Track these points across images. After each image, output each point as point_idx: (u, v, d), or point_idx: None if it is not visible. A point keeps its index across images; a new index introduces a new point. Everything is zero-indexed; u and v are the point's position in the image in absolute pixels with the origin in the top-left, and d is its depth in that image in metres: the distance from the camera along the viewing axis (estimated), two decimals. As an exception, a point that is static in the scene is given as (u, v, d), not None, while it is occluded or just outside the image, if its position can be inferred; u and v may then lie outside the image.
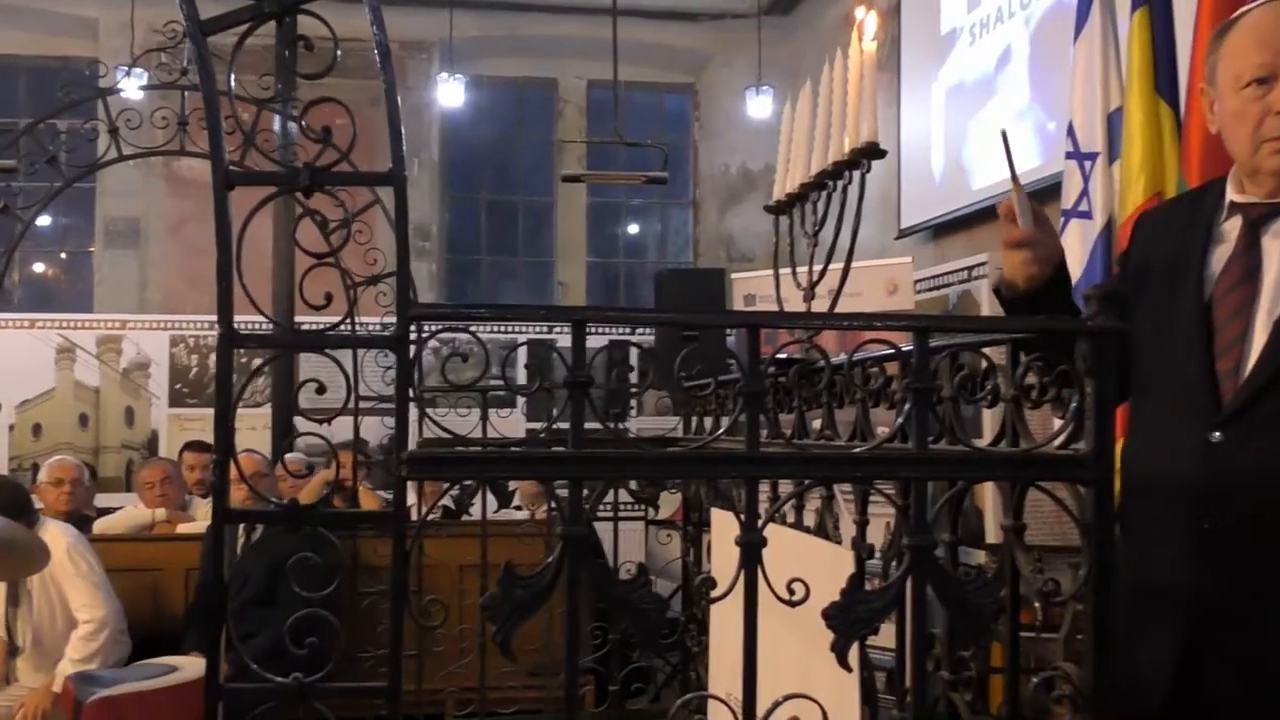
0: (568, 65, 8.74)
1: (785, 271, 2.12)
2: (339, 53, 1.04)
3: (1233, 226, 1.73)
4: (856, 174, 1.81)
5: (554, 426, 1.09)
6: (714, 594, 1.06)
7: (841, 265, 1.87)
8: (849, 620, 1.04)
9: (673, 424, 2.99)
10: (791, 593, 1.06)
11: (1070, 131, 3.67)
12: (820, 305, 1.95)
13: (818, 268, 1.98)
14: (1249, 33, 1.70)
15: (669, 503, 4.29)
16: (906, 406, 1.05)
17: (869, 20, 1.79)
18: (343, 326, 1.05)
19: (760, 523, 1.02)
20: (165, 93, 3.67)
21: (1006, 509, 1.23)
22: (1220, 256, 1.72)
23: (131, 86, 4.28)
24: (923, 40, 6.29)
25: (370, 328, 2.92)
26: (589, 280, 9.08)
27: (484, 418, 2.62)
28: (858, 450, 1.06)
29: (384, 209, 3.96)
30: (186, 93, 2.99)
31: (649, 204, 9.23)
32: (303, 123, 1.01)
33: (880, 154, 1.76)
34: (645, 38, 8.22)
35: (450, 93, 7.37)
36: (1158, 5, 3.38)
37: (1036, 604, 1.18)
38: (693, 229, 9.10)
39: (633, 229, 9.49)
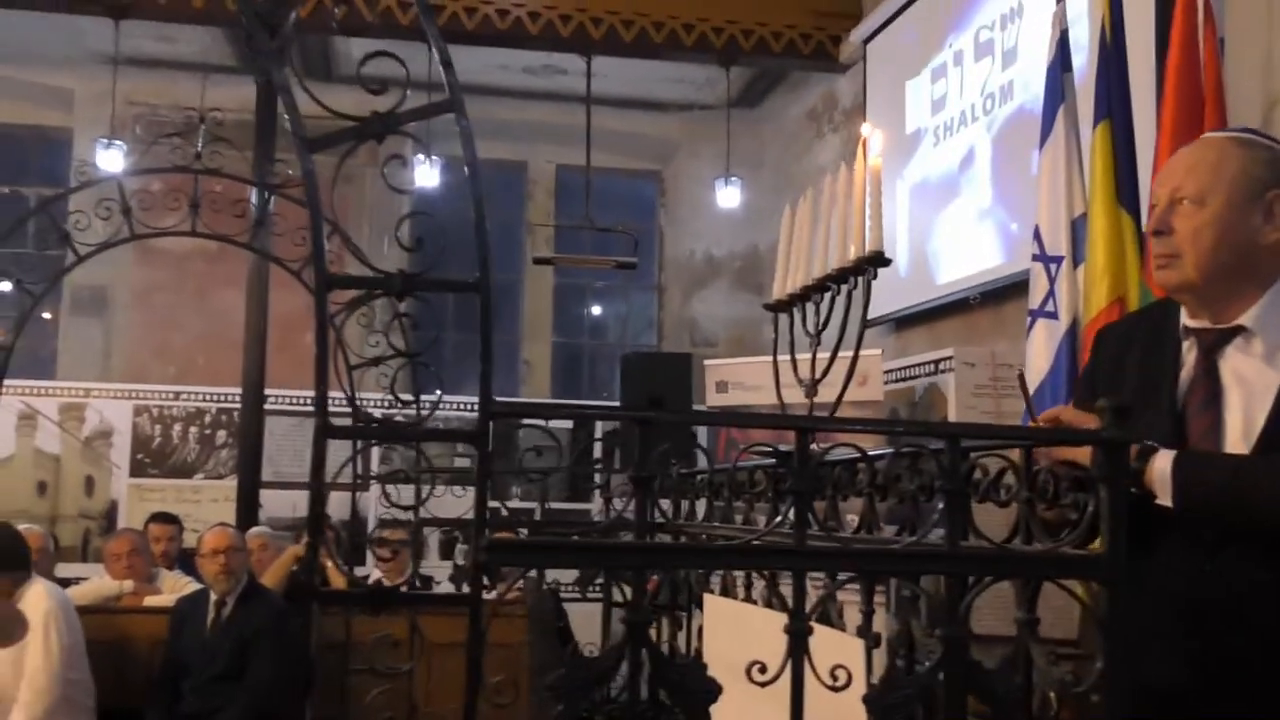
0: (538, 149, 8.91)
1: (779, 358, 2.22)
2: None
3: (1190, 348, 1.88)
4: (861, 280, 1.92)
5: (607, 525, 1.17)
6: (762, 678, 1.13)
7: (850, 355, 1.96)
8: (884, 706, 1.12)
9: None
10: (835, 679, 1.14)
11: (1036, 235, 3.83)
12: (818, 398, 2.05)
13: (820, 364, 2.08)
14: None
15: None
16: (941, 506, 1.14)
17: (874, 138, 1.91)
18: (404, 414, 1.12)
19: (810, 613, 1.10)
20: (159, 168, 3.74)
21: (1020, 603, 1.32)
22: (1185, 378, 1.86)
23: (133, 164, 4.33)
24: (889, 138, 6.52)
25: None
26: (553, 360, 9.17)
27: (542, 503, 2.68)
28: (897, 546, 1.15)
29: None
30: (200, 176, 3.07)
31: (614, 286, 9.37)
32: (397, 233, 1.10)
33: (886, 262, 1.87)
34: (614, 125, 8.42)
35: (425, 175, 7.49)
36: (1119, 120, 3.57)
37: (1051, 694, 1.26)
38: (657, 312, 9.25)
39: (597, 310, 9.61)
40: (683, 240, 9.09)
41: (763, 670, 1.18)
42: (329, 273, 1.06)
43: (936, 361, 5.22)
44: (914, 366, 5.40)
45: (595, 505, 7.07)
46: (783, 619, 1.84)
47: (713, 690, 1.07)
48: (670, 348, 8.68)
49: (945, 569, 1.15)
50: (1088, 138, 3.70)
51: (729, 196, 7.81)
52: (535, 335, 9.10)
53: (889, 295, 6.36)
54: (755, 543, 1.19)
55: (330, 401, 1.14)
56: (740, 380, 5.27)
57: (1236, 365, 1.82)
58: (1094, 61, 3.72)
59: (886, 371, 5.41)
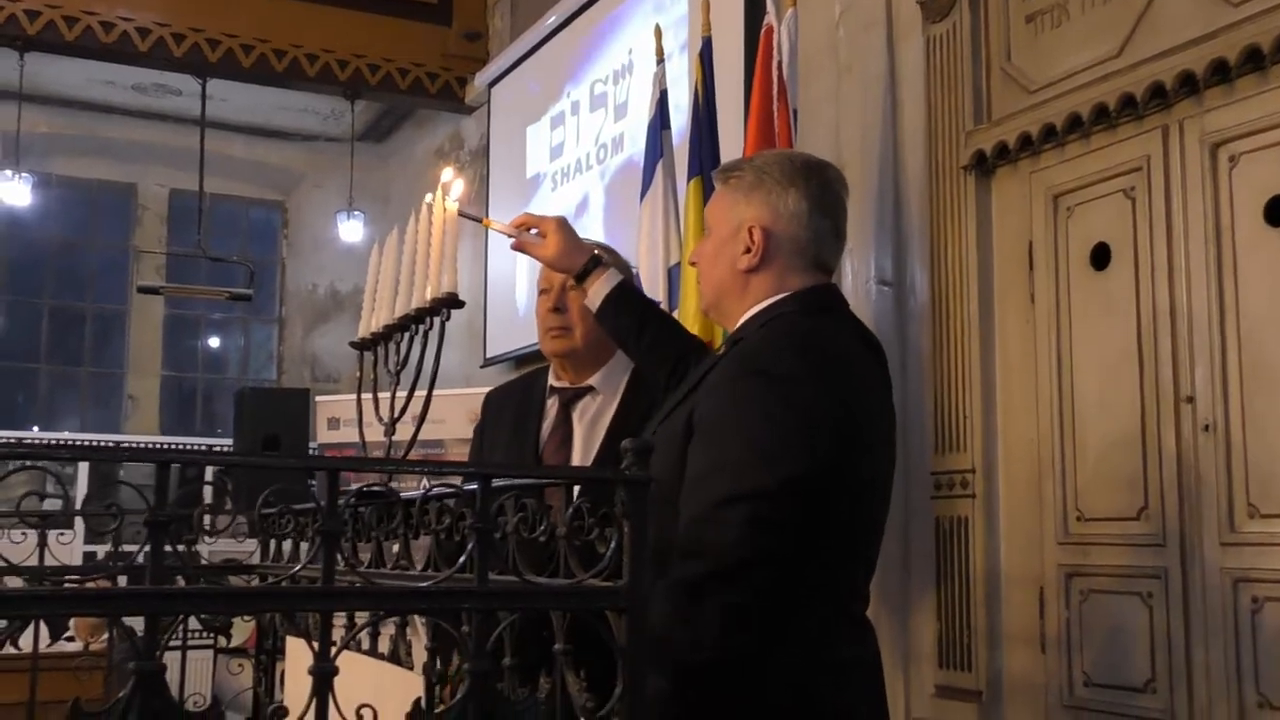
0: (149, 171, 8.41)
1: (367, 398, 2.22)
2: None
3: (553, 404, 2.42)
4: (437, 320, 1.95)
5: (123, 554, 1.12)
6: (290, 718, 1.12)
7: (425, 393, 2.00)
8: (414, 741, 1.14)
9: (249, 548, 2.94)
10: (360, 718, 1.15)
11: (637, 280, 4.04)
12: (405, 431, 2.07)
13: (400, 400, 2.09)
14: None
15: (241, 629, 4.16)
16: (470, 545, 1.18)
17: (456, 184, 1.96)
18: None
19: (334, 652, 1.10)
20: None
21: (559, 634, 1.38)
22: (547, 427, 2.40)
23: None
24: (509, 182, 6.66)
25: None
26: (163, 395, 8.64)
27: (42, 544, 2.47)
28: (425, 585, 1.17)
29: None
30: None
31: (231, 319, 8.97)
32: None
33: (458, 305, 1.91)
34: (234, 151, 8.10)
35: (14, 191, 6.88)
36: (708, 177, 3.84)
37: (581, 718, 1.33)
38: (277, 346, 8.93)
39: (213, 342, 9.16)
40: (305, 273, 8.85)
41: (286, 714, 1.18)
42: None
43: (549, 400, 5.36)
44: (528, 404, 5.51)
45: (206, 549, 6.70)
46: (366, 662, 1.84)
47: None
48: (291, 383, 8.41)
49: (473, 605, 1.19)
50: (684, 192, 3.94)
51: (352, 230, 7.70)
52: (142, 369, 8.54)
53: (510, 334, 6.48)
54: (284, 584, 1.18)
55: None
56: (353, 417, 5.17)
57: (584, 414, 2.37)
58: (690, 122, 3.98)
59: (502, 409, 5.49)
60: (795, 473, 1.61)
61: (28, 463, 1.08)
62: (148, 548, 1.05)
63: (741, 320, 1.86)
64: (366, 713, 1.16)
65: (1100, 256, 2.83)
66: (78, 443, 5.92)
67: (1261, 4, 2.45)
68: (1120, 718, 2.64)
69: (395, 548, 1.86)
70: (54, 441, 6.29)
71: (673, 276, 3.94)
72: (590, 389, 2.42)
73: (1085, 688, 2.74)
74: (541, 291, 2.49)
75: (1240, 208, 2.52)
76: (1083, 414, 2.83)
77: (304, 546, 2.24)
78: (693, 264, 2.01)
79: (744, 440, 1.64)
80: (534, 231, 2.27)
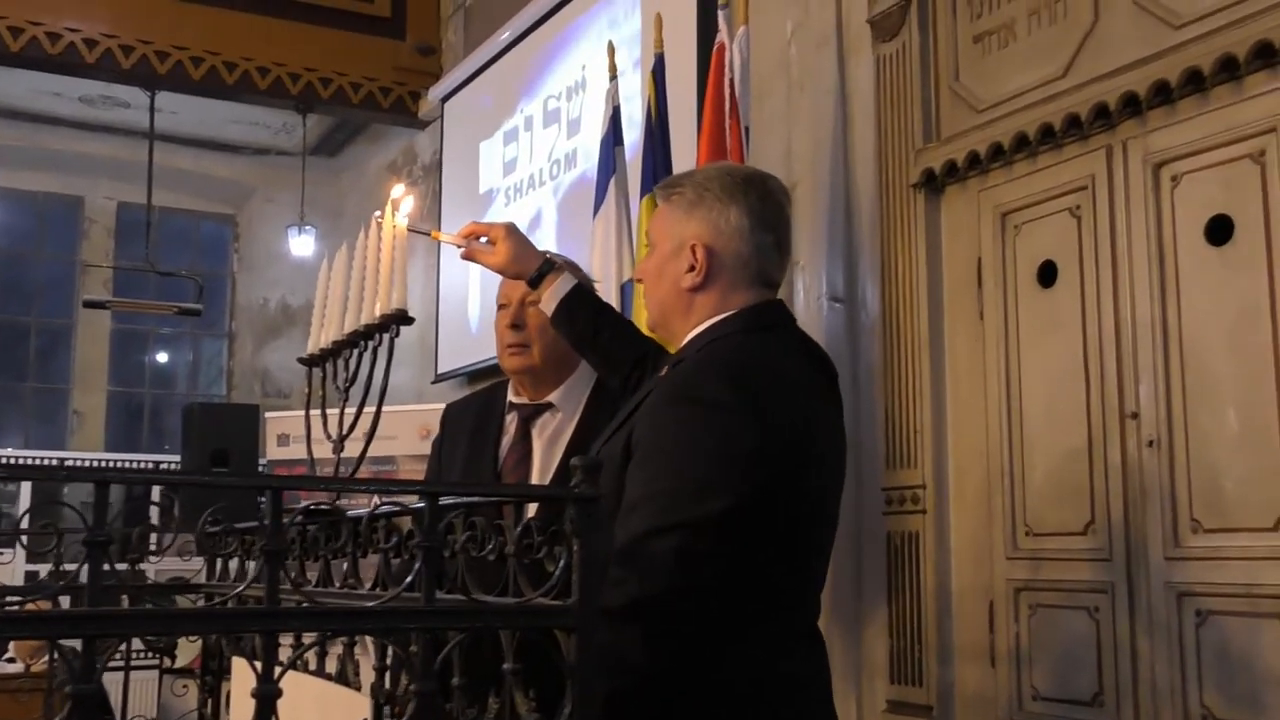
0: (96, 184, 8.30)
1: (316, 414, 2.20)
2: None
3: (512, 420, 2.40)
4: (386, 336, 1.94)
5: (63, 573, 1.10)
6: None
7: (374, 410, 1.98)
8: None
9: (196, 566, 2.90)
10: (304, 740, 1.13)
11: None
12: (354, 447, 2.05)
13: (349, 416, 2.07)
14: None
15: (187, 650, 4.09)
16: (417, 565, 1.17)
17: (406, 201, 1.95)
18: None
19: (278, 674, 1.09)
20: None
21: (508, 653, 1.37)
22: (506, 444, 2.38)
23: None
24: (462, 197, 6.64)
25: None
26: (110, 410, 8.51)
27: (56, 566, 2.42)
28: (372, 604, 1.16)
29: None
30: None
31: (180, 333, 8.86)
32: None
33: (408, 321, 1.90)
34: (183, 164, 8.02)
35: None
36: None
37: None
38: (227, 361, 8.83)
39: (162, 357, 9.04)
40: (256, 287, 8.77)
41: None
42: None
43: (502, 415, 5.33)
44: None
45: (152, 568, 6.59)
46: (313, 682, 1.81)
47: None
48: (241, 398, 8.32)
49: (421, 624, 1.18)
50: (637, 208, 3.95)
51: (303, 244, 7.64)
52: (88, 384, 8.41)
53: (462, 350, 6.45)
54: (227, 605, 1.16)
55: None
56: (302, 433, 5.13)
57: (543, 431, 2.35)
58: (643, 138, 3.99)
59: (455, 425, 5.45)
60: (725, 504, 1.60)
61: (-38, 482, 1.05)
62: (87, 568, 1.04)
63: (686, 339, 1.86)
64: (311, 735, 1.14)
65: (1047, 274, 2.87)
66: (18, 460, 5.81)
67: (1202, 27, 2.49)
68: (1069, 732, 2.66)
69: (344, 567, 1.84)
70: (-4, 458, 6.20)
71: (625, 293, 3.94)
72: (550, 405, 2.41)
73: (1035, 701, 2.77)
74: (500, 307, 2.46)
75: (1182, 226, 2.56)
76: (1031, 429, 2.86)
77: (251, 566, 2.21)
78: (638, 280, 2.01)
79: (674, 470, 1.64)
80: (483, 240, 2.25)
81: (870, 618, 3.20)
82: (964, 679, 2.96)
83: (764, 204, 1.84)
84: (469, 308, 6.48)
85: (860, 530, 3.20)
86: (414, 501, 1.45)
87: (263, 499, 1.15)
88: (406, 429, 4.76)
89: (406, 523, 1.57)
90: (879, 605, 3.15)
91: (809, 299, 3.51)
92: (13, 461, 1.05)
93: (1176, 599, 2.49)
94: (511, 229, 2.25)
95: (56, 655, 3.28)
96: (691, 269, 1.83)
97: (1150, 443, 2.56)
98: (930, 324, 3.12)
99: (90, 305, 7.15)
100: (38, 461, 6.11)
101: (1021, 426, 2.88)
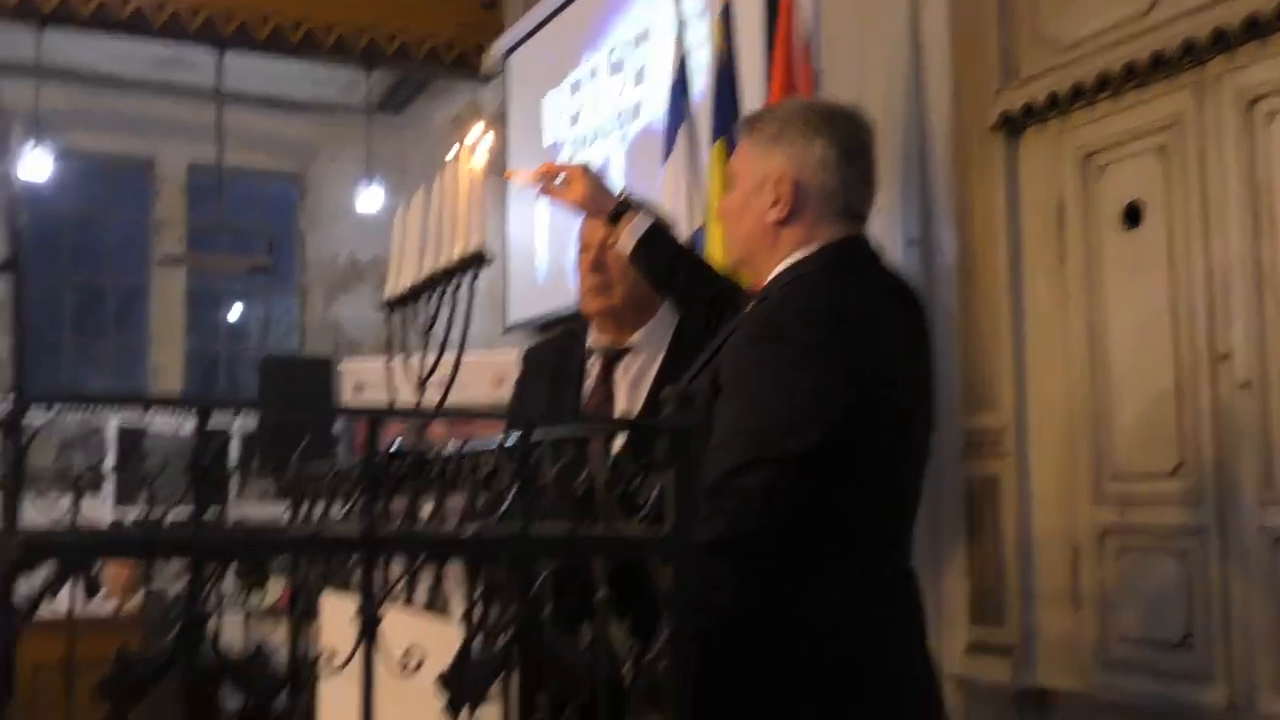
0: (168, 145, 8.40)
1: (396, 361, 2.21)
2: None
3: (594, 363, 2.37)
4: (466, 278, 1.94)
5: (155, 512, 1.12)
6: (333, 664, 1.12)
7: (454, 358, 1.98)
8: (459, 684, 1.14)
9: (279, 511, 2.95)
10: (404, 664, 1.14)
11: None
12: (432, 395, 2.05)
13: (430, 360, 2.08)
14: None
15: (274, 590, 4.17)
16: (512, 493, 1.17)
17: (484, 140, 1.94)
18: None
19: (377, 602, 1.10)
20: None
21: (601, 583, 1.37)
22: (588, 386, 2.35)
23: None
24: (528, 149, 6.63)
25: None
26: (186, 366, 8.66)
27: (76, 502, 2.47)
28: (468, 533, 1.17)
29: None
30: None
31: (254, 290, 8.98)
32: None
33: (487, 262, 1.89)
34: (251, 124, 8.07)
35: (35, 165, 6.88)
36: (730, 139, 3.81)
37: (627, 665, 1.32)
38: (300, 316, 8.94)
39: (235, 315, 9.17)
40: (325, 244, 8.84)
41: (331, 657, 1.17)
42: None
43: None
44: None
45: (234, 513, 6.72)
46: (406, 616, 1.83)
47: (272, 683, 1.04)
48: (313, 352, 8.41)
49: (513, 553, 1.18)
50: (706, 155, 3.92)
51: (371, 200, 7.68)
52: (165, 341, 8.55)
53: (531, 300, 6.47)
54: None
55: None
56: (378, 381, 5.20)
57: (626, 373, 2.32)
58: (710, 84, 3.95)
59: (524, 376, 5.48)
60: (811, 441, 1.58)
61: (65, 406, 1.07)
62: (188, 500, 1.05)
63: (770, 276, 1.83)
64: (411, 656, 1.15)
65: (1132, 215, 2.80)
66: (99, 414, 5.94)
67: (1298, -47, 2.40)
68: (1157, 673, 2.62)
69: (426, 511, 1.85)
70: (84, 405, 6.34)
71: (696, 240, 3.92)
72: (632, 348, 2.39)
73: (1121, 643, 2.73)
74: (581, 250, 2.44)
75: (1277, 163, 2.48)
76: (1116, 372, 2.80)
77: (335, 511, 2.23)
78: (719, 219, 1.99)
79: (760, 407, 1.62)
80: (560, 179, 2.24)
81: (949, 560, 3.17)
82: (1046, 621, 2.93)
83: (850, 136, 1.80)
84: (536, 258, 6.49)
85: (938, 474, 3.16)
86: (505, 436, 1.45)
87: (338, 449, 1.15)
88: (479, 378, 4.79)
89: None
90: (958, 547, 3.13)
91: (884, 243, 3.45)
92: (96, 424, 1.06)
93: (1271, 543, 2.44)
94: (587, 169, 2.24)
95: (151, 591, 3.34)
96: (775, 204, 1.79)
97: (1243, 384, 2.50)
98: (1009, 267, 3.07)
99: (165, 263, 7.26)
100: (120, 417, 6.24)
101: (1106, 368, 2.83)
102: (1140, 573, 2.70)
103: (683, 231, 3.98)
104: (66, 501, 2.22)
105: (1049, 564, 2.94)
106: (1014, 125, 3.08)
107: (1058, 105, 2.94)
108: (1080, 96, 2.89)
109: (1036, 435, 3.01)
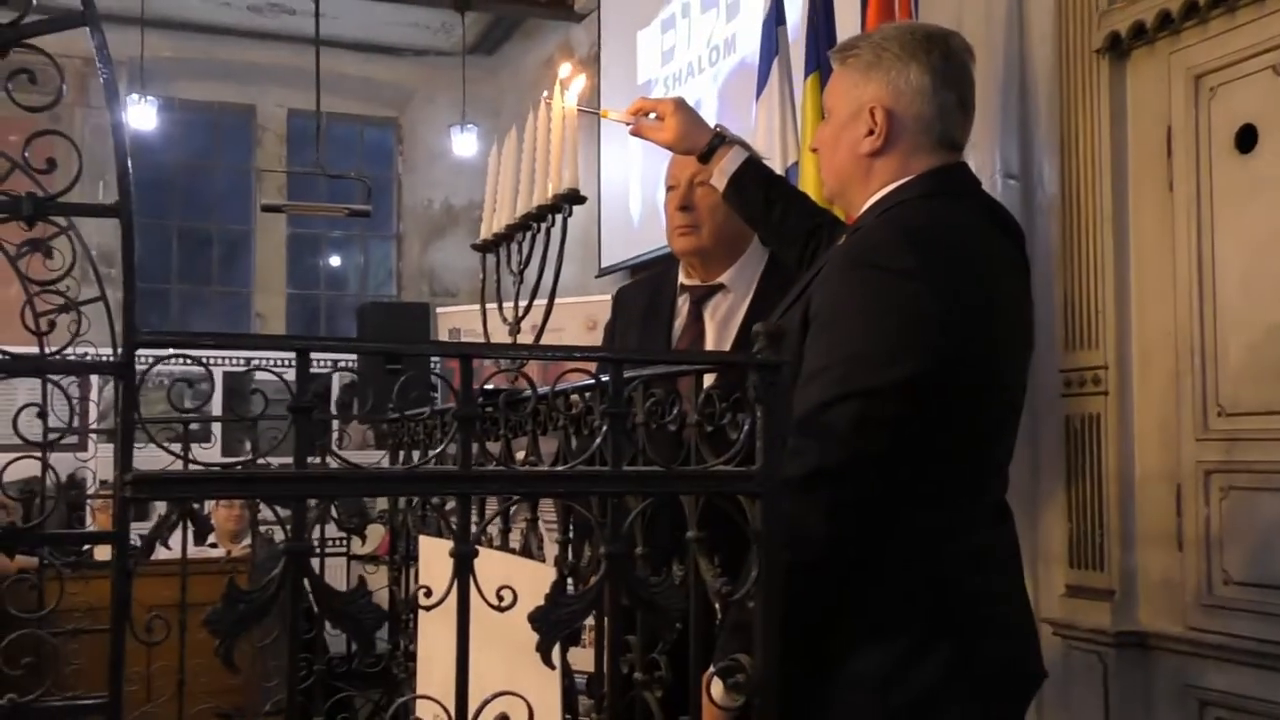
0: (267, 92, 8.55)
1: (491, 307, 2.23)
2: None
3: (684, 303, 2.39)
4: (559, 217, 1.94)
5: (261, 454, 1.15)
6: (428, 602, 1.15)
7: (545, 302, 2.00)
8: (551, 621, 1.15)
9: (378, 457, 3.02)
10: (500, 599, 1.17)
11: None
12: (525, 339, 2.07)
13: (523, 304, 2.10)
14: None
15: (374, 536, 4.28)
16: (604, 430, 1.18)
17: (575, 80, 1.93)
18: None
19: (472, 535, 1.12)
20: None
21: (691, 521, 1.38)
22: (679, 326, 2.38)
23: None
24: (620, 88, 6.59)
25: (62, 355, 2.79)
26: (289, 312, 8.87)
27: (186, 448, 2.57)
28: (561, 469, 1.18)
29: (71, 236, 3.77)
30: None
31: (351, 236, 9.13)
32: (25, 155, 1.04)
33: (580, 200, 1.89)
34: (348, 70, 8.17)
35: (140, 115, 7.06)
36: (827, 72, 3.73)
37: (716, 604, 1.33)
38: (396, 262, 9.08)
39: (334, 261, 9.35)
40: (421, 189, 8.94)
41: (429, 594, 1.20)
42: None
43: (666, 307, 5.35)
44: (645, 312, 5.51)
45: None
46: (499, 556, 1.87)
47: (374, 617, 1.07)
48: (410, 298, 8.55)
49: (605, 489, 1.19)
50: (800, 89, 3.85)
51: (466, 144, 7.73)
52: (268, 287, 8.77)
53: (625, 244, 6.47)
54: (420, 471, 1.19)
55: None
56: (474, 327, 5.26)
57: (716, 312, 2.34)
58: (805, 16, 3.87)
59: (619, 317, 5.50)
60: (905, 372, 1.55)
61: (173, 352, 1.11)
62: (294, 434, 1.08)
63: (865, 207, 1.80)
64: (506, 594, 1.17)
65: (1246, 139, 2.68)
66: (208, 360, 6.12)
67: None
68: (1264, 615, 2.56)
69: (521, 453, 1.87)
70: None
71: (790, 175, 3.86)
72: (721, 286, 2.38)
73: (1226, 586, 2.67)
74: (669, 189, 2.43)
75: (1403, 80, 2.36)
76: (1226, 305, 2.71)
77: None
78: (814, 150, 1.95)
79: (852, 337, 1.59)
80: (652, 116, 2.22)
81: (1047, 502, 3.12)
82: (1147, 563, 2.87)
83: (946, 61, 1.75)
84: (630, 202, 6.48)
85: (1036, 413, 3.11)
86: (597, 372, 1.46)
87: (435, 394, 1.17)
88: (573, 321, 4.83)
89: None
90: (1057, 489, 3.07)
91: (981, 176, 3.37)
92: (205, 360, 1.09)
93: (1386, 480, 2.35)
94: (680, 104, 2.21)
95: (259, 535, 3.46)
96: (870, 133, 1.75)
97: (1361, 315, 2.40)
98: (1113, 198, 2.97)
99: (267, 209, 7.42)
100: (226, 360, 6.42)
101: (1215, 301, 2.73)
102: (1246, 513, 2.63)
103: (776, 168, 3.93)
104: (176, 448, 2.30)
105: (1151, 505, 2.87)
106: (1120, 47, 2.97)
107: (1169, 24, 2.82)
108: (1193, 14, 2.77)
109: (1140, 371, 2.93)
